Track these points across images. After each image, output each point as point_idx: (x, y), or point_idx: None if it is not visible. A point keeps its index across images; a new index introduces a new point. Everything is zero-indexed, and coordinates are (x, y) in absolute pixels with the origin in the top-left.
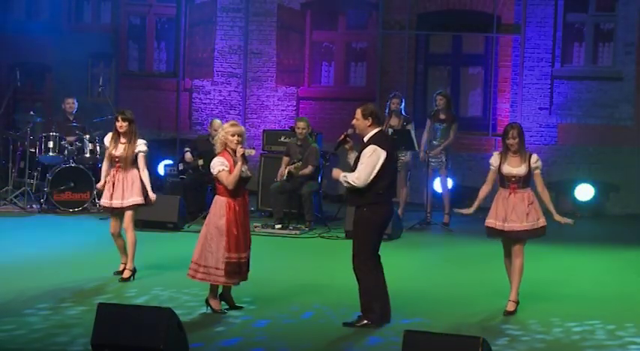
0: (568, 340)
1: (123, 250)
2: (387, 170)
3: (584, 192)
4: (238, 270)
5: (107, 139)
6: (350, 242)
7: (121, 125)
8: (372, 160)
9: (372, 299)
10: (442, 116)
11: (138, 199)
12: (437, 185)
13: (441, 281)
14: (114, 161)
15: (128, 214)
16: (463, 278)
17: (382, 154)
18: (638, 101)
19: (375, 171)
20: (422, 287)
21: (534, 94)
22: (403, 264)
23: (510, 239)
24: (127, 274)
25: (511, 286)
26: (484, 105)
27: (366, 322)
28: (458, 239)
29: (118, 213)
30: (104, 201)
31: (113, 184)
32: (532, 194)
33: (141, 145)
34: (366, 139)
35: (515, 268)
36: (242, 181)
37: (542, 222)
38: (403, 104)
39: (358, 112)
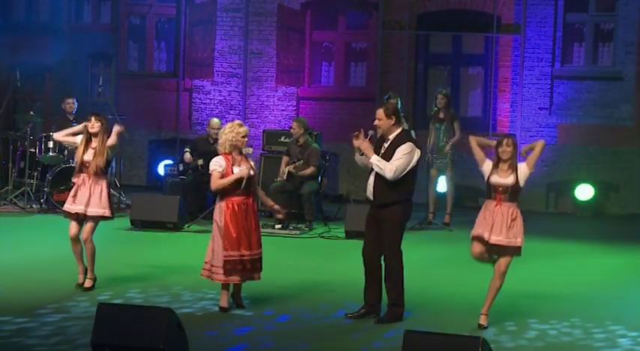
0: (542, 341)
1: (80, 256)
2: (416, 170)
3: (584, 192)
4: (241, 267)
5: (79, 138)
6: (351, 243)
7: (93, 125)
8: (409, 156)
9: (401, 293)
10: (441, 115)
11: (102, 212)
12: (440, 185)
13: (440, 281)
14: (83, 166)
15: (90, 225)
16: (463, 278)
17: (417, 153)
18: (638, 101)
19: (409, 168)
20: (421, 287)
21: (534, 94)
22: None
23: (492, 251)
24: (88, 283)
25: (485, 301)
26: (484, 105)
27: (395, 316)
28: (458, 239)
29: (78, 218)
30: (66, 206)
31: (78, 187)
32: (517, 210)
33: (111, 140)
34: (391, 137)
35: (492, 288)
36: (237, 182)
37: (519, 242)
38: (400, 104)
39: (380, 112)
